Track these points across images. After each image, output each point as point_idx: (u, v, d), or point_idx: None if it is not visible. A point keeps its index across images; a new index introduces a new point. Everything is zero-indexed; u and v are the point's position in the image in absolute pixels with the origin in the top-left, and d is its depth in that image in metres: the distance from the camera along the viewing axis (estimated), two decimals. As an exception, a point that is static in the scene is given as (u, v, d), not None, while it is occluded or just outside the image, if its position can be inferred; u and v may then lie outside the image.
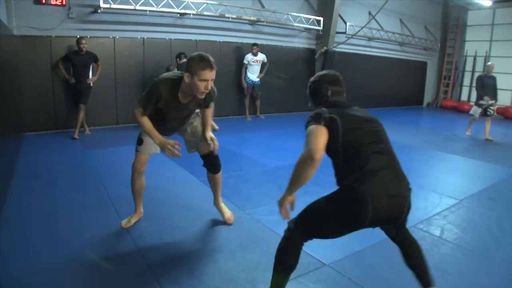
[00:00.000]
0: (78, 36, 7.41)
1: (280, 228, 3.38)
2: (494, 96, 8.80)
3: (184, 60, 8.17)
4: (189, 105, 3.10)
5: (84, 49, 7.31)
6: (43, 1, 7.45)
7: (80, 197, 4.12)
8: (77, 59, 7.32)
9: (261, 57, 9.85)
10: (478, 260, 3.06)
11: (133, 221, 3.43)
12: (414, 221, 3.71)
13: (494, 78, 8.88)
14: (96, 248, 2.99)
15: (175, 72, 3.12)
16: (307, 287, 2.52)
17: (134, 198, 3.47)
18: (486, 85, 8.80)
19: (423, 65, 15.89)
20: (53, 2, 7.55)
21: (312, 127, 2.10)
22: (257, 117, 10.39)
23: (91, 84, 7.54)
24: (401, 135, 8.59)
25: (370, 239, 3.26)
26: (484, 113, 8.92)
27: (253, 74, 9.96)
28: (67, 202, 3.96)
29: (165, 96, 2.90)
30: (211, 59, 2.86)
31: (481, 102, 8.84)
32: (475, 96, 9.24)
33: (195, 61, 2.80)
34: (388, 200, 1.98)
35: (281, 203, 2.25)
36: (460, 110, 14.60)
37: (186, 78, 2.82)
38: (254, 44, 9.74)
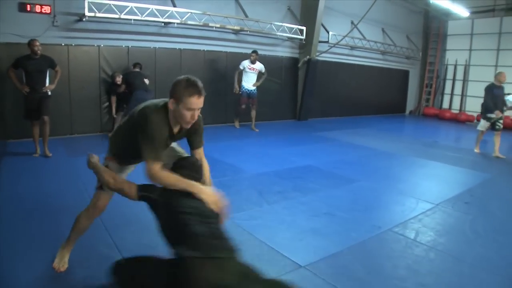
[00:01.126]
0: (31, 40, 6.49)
1: (259, 232, 3.50)
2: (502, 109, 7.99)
3: (137, 69, 8.30)
4: (178, 136, 2.68)
5: (38, 52, 6.41)
6: (28, 9, 7.47)
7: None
8: (30, 64, 6.35)
9: (259, 66, 9.55)
10: (450, 261, 3.18)
11: (67, 258, 2.83)
12: (390, 225, 3.84)
13: (503, 89, 7.98)
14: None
15: (158, 100, 2.58)
16: (282, 288, 2.60)
17: (74, 237, 2.84)
18: (496, 97, 7.82)
19: (405, 74, 16.17)
20: (37, 10, 7.57)
21: None
22: (251, 130, 9.68)
23: (49, 93, 6.60)
24: (382, 142, 8.78)
25: (346, 241, 3.38)
26: (492, 128, 7.96)
27: (248, 83, 9.58)
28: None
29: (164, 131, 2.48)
30: (199, 84, 2.43)
31: (489, 115, 7.87)
32: (476, 107, 8.95)
33: (182, 86, 2.37)
34: None
35: None
36: (442, 117, 14.95)
37: (171, 104, 2.41)
38: (253, 52, 9.49)
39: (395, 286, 2.72)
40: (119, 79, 7.97)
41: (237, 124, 9.98)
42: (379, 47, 13.93)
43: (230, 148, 7.44)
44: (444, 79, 15.83)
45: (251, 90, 9.61)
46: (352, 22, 12.71)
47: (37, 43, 6.34)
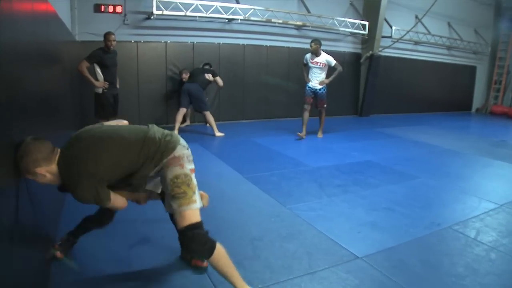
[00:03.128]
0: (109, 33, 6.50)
1: (318, 222, 3.62)
2: None
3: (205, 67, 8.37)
4: None
5: (113, 46, 6.40)
6: (102, 10, 8.03)
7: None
8: (108, 58, 6.32)
9: (324, 59, 7.82)
10: (512, 262, 3.13)
11: None
12: (450, 222, 3.81)
13: None
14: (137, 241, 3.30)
15: None
16: (339, 277, 2.71)
17: None
18: None
19: (472, 70, 15.54)
20: (110, 10, 8.11)
21: None
22: (316, 136, 8.33)
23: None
24: (445, 140, 8.55)
25: (404, 236, 3.42)
26: None
27: (313, 80, 7.96)
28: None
29: None
30: None
31: None
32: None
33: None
34: None
35: None
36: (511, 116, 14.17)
37: None
38: (312, 41, 7.83)
39: (453, 283, 2.73)
40: (185, 76, 8.29)
41: (304, 132, 8.01)
42: (444, 42, 13.50)
43: (291, 142, 7.58)
44: (516, 75, 15.03)
45: (317, 89, 7.98)
46: (416, 17, 12.42)
47: (113, 37, 6.36)
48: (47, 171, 2.07)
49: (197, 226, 2.19)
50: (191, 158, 2.38)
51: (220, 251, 2.25)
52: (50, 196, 2.85)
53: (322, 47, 7.82)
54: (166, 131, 2.39)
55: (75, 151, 2.16)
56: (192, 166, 2.36)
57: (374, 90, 11.97)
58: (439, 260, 3.06)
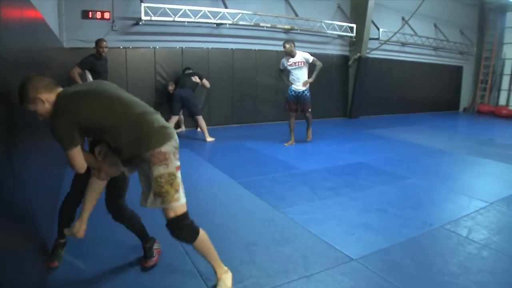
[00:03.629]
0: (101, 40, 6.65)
1: (311, 225, 3.64)
2: None
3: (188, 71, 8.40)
4: None
5: (104, 53, 6.53)
6: (90, 16, 8.01)
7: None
8: (99, 64, 6.40)
9: (301, 57, 7.34)
10: (505, 260, 3.13)
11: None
12: (441, 222, 3.85)
13: None
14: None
15: None
16: (334, 279, 2.72)
17: None
18: None
19: (458, 70, 15.73)
20: (98, 17, 8.10)
21: None
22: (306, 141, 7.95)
23: None
24: (434, 140, 8.65)
25: (397, 237, 3.45)
26: None
27: (295, 83, 7.51)
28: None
29: None
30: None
31: None
32: None
33: None
34: None
35: None
36: (498, 115, 14.34)
37: None
38: (286, 42, 7.37)
39: (446, 282, 2.76)
40: (171, 88, 8.34)
41: (292, 141, 7.74)
42: (431, 43, 13.65)
43: (282, 145, 7.61)
44: (501, 75, 15.24)
45: (299, 92, 7.52)
46: (403, 18, 12.57)
47: (105, 43, 6.44)
48: (46, 99, 2.24)
49: (182, 217, 2.39)
50: (177, 155, 2.41)
51: (202, 237, 2.50)
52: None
53: (311, 50, 7.80)
54: (167, 124, 2.44)
55: (74, 90, 2.39)
56: (178, 164, 2.40)
57: (363, 92, 12.07)
58: (432, 260, 3.09)
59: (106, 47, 6.38)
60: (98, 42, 6.33)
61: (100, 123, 2.29)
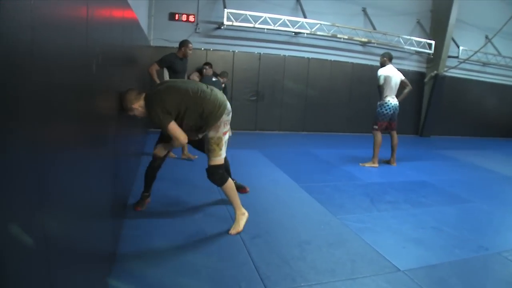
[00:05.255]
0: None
1: (365, 234, 3.79)
2: None
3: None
4: None
5: (189, 56, 6.39)
6: (176, 18, 8.61)
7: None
8: (179, 63, 6.21)
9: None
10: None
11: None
12: (499, 249, 3.75)
13: None
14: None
15: None
16: (378, 285, 2.85)
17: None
18: None
19: (544, 95, 14.83)
20: (184, 19, 8.67)
21: None
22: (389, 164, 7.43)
23: None
24: (508, 166, 8.31)
25: (448, 256, 3.50)
26: None
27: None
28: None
29: None
30: None
31: None
32: None
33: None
34: None
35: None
36: None
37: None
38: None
39: (493, 307, 2.82)
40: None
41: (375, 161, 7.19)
42: (516, 64, 13.04)
43: (348, 155, 7.73)
44: None
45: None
46: (486, 37, 12.13)
47: (191, 46, 6.27)
48: (139, 105, 3.37)
49: (218, 167, 3.57)
50: (228, 124, 3.61)
51: (229, 184, 3.63)
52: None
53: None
54: (222, 103, 3.51)
55: (155, 91, 3.45)
56: (226, 129, 3.57)
57: (436, 110, 11.81)
58: (481, 283, 3.10)
59: (191, 49, 6.34)
60: (186, 43, 6.22)
61: (178, 108, 3.35)
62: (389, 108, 7.08)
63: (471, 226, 4.39)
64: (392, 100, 7.10)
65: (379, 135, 7.12)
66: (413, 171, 6.92)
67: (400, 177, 6.43)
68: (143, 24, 6.95)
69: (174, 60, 6.12)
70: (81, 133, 1.74)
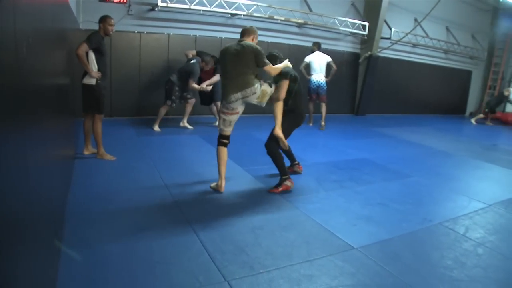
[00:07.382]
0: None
1: (315, 215, 3.79)
2: None
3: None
4: None
5: (109, 34, 5.40)
6: None
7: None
8: (104, 45, 5.34)
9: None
10: (499, 258, 3.26)
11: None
12: (441, 219, 4.00)
13: None
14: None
15: None
16: (335, 265, 2.87)
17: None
18: None
19: (467, 74, 15.79)
20: (115, 0, 8.19)
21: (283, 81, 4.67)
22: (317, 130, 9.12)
23: None
24: (439, 141, 8.77)
25: (397, 230, 3.60)
26: None
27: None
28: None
29: None
30: None
31: None
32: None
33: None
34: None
35: (279, 136, 4.59)
36: (504, 121, 14.30)
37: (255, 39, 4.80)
38: None
39: (442, 274, 2.89)
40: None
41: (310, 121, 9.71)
42: (442, 45, 13.72)
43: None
44: (510, 81, 15.28)
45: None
46: (415, 20, 12.63)
47: (113, 21, 5.39)
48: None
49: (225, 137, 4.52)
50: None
51: (219, 151, 4.40)
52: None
53: (322, 46, 8.39)
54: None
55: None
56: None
57: (371, 90, 12.16)
58: (429, 253, 3.24)
59: (113, 25, 5.37)
60: (106, 19, 5.27)
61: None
62: (313, 84, 9.32)
63: (414, 200, 4.56)
64: (315, 77, 9.29)
65: (311, 106, 9.63)
66: (353, 150, 7.07)
67: (342, 156, 6.53)
68: (72, 5, 6.49)
69: (101, 40, 5.26)
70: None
